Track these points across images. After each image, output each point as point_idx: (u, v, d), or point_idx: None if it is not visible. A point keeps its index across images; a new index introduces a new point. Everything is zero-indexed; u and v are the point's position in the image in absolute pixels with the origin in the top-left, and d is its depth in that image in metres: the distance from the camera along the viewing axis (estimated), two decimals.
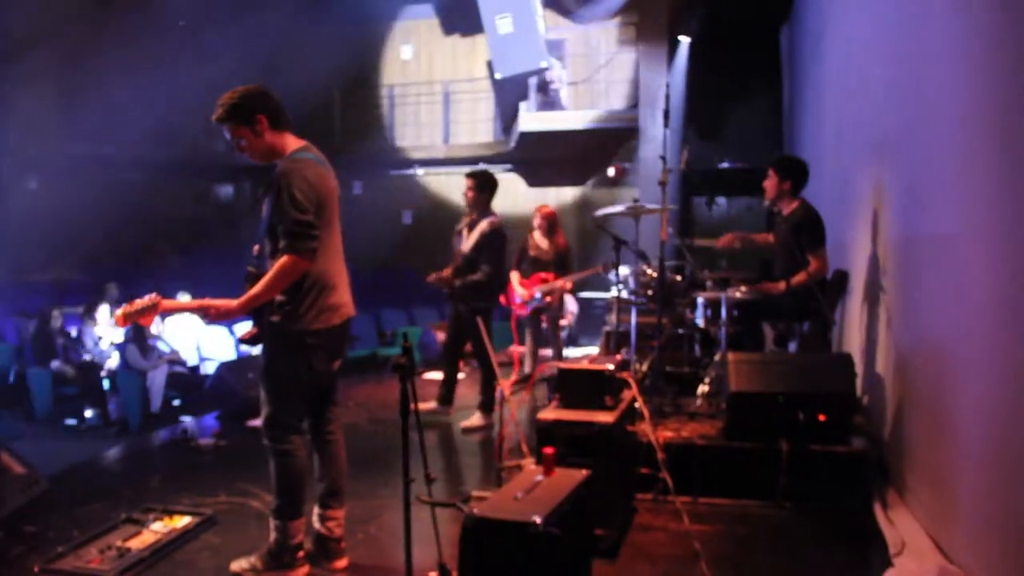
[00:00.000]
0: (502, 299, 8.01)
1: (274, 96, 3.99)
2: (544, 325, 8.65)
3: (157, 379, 9.61)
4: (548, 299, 8.29)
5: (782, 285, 5.89)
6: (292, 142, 4.02)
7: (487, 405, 6.97)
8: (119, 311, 3.71)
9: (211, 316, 3.81)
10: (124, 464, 6.39)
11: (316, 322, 3.89)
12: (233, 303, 3.81)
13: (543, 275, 8.29)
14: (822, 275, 5.86)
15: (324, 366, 4.01)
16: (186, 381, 10.36)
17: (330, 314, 3.94)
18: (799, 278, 5.73)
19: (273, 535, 4.01)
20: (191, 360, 10.97)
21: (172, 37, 9.98)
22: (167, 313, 3.89)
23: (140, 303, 3.70)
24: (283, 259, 3.78)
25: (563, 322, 9.54)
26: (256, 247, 4.00)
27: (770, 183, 6.09)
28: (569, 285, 8.33)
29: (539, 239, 8.46)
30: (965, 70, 3.78)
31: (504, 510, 3.02)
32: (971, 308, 3.63)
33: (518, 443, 5.55)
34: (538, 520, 2.88)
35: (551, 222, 8.44)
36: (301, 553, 4.04)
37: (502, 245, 6.87)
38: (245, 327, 4.02)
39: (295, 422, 4.00)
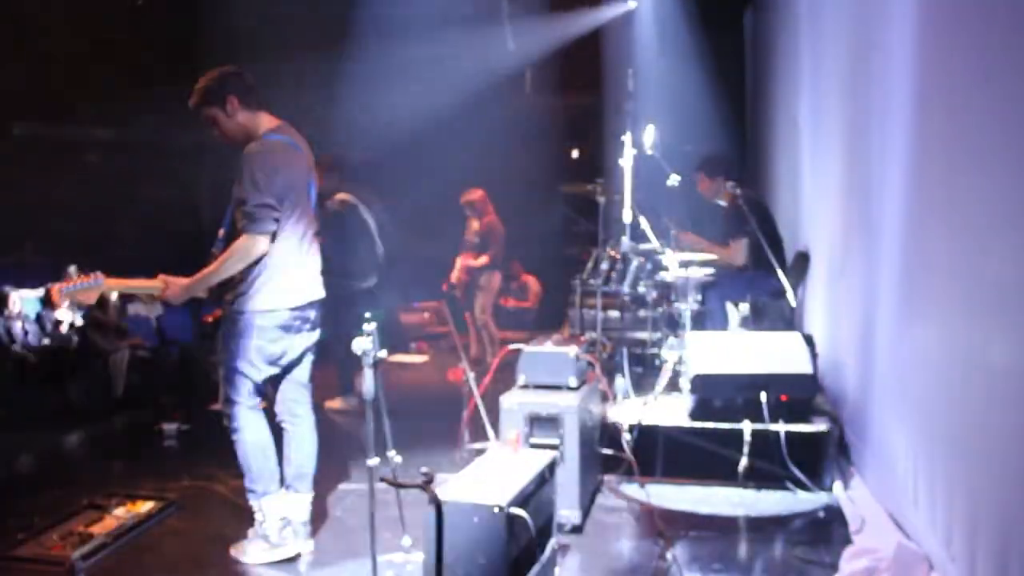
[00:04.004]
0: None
1: (246, 76, 3.95)
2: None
3: (119, 363, 9.49)
4: (453, 279, 8.74)
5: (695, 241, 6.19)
6: (266, 122, 4.00)
7: (342, 388, 7.05)
8: (55, 285, 3.62)
9: (164, 295, 3.78)
10: (86, 449, 6.33)
11: (270, 303, 3.88)
12: (185, 281, 3.80)
13: (463, 257, 8.74)
14: (732, 262, 6.03)
15: (279, 347, 3.99)
16: (149, 365, 10.23)
17: (287, 296, 3.92)
18: (715, 251, 5.95)
19: (256, 516, 4.02)
20: (154, 343, 10.84)
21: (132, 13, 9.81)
22: (121, 293, 3.86)
23: (80, 279, 3.65)
24: (239, 240, 3.78)
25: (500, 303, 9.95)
26: (221, 231, 3.97)
27: (703, 185, 6.19)
28: (474, 264, 8.63)
29: (472, 222, 8.81)
30: (918, 58, 3.82)
31: (469, 492, 3.04)
32: (927, 290, 3.69)
33: (483, 425, 5.57)
34: (503, 502, 2.90)
35: (471, 206, 8.77)
36: (288, 530, 4.03)
37: (348, 223, 6.82)
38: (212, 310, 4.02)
39: (245, 401, 4.00)
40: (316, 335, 4.18)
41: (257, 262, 3.82)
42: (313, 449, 4.20)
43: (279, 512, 4.01)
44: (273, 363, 4.02)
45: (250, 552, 4.02)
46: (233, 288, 3.87)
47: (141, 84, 9.79)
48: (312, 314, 4.09)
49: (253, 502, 4.01)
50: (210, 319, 4.06)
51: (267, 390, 4.22)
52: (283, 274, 3.90)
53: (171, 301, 3.83)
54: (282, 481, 4.11)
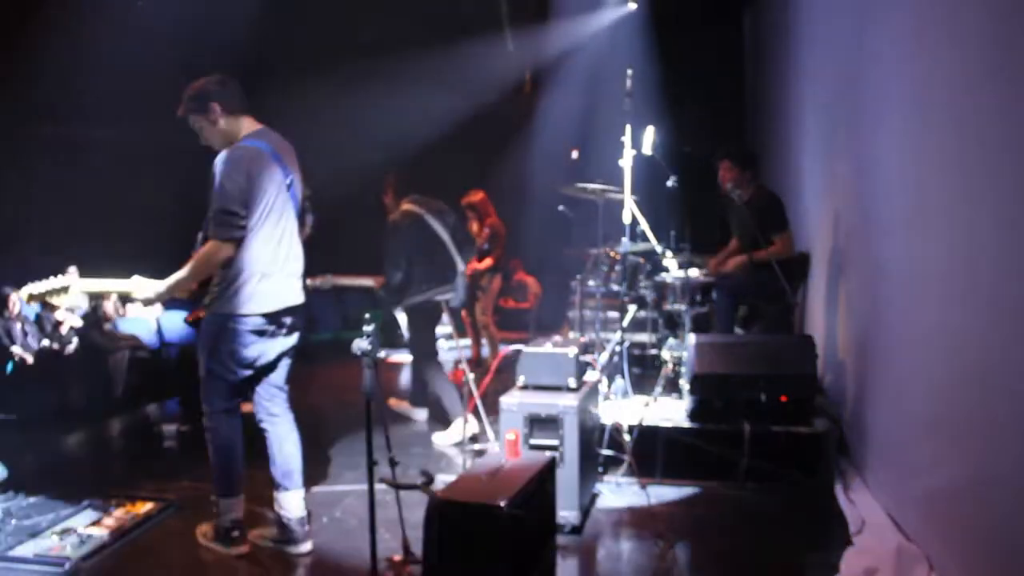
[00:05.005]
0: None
1: (229, 83, 4.01)
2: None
3: (119, 364, 9.48)
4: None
5: (737, 260, 6.01)
6: (247, 127, 4.06)
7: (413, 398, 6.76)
8: (25, 288, 3.68)
9: (136, 296, 3.85)
10: (86, 450, 6.33)
11: (245, 307, 3.91)
12: (158, 284, 3.87)
13: None
14: (786, 255, 5.89)
15: (254, 352, 4.02)
16: (148, 366, 10.23)
17: (263, 300, 3.94)
18: (761, 254, 5.80)
19: (214, 509, 4.12)
20: (153, 344, 10.83)
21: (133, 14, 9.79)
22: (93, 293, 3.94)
23: (49, 283, 3.70)
24: (207, 245, 3.85)
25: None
26: (200, 234, 4.01)
27: (728, 174, 6.12)
28: (479, 267, 8.45)
29: (473, 224, 8.67)
30: (916, 56, 3.82)
31: (469, 493, 3.03)
32: (927, 290, 3.69)
33: (483, 427, 5.57)
34: (503, 503, 2.89)
35: (473, 210, 8.63)
36: (237, 532, 4.09)
37: (402, 235, 6.33)
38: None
39: (221, 402, 4.04)
40: (294, 339, 4.20)
41: (231, 266, 3.87)
42: (296, 447, 4.23)
43: (232, 515, 4.08)
44: (247, 366, 4.05)
45: (204, 535, 4.20)
46: (211, 290, 3.93)
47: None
48: (289, 319, 4.11)
49: (215, 498, 4.10)
50: (190, 319, 4.11)
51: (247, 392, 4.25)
52: (257, 279, 3.92)
53: (143, 302, 3.92)
54: (273, 481, 4.16)
